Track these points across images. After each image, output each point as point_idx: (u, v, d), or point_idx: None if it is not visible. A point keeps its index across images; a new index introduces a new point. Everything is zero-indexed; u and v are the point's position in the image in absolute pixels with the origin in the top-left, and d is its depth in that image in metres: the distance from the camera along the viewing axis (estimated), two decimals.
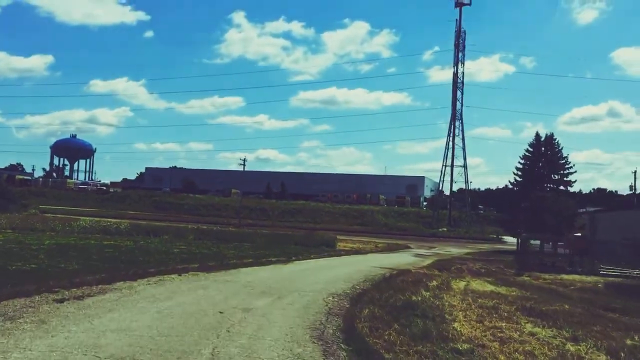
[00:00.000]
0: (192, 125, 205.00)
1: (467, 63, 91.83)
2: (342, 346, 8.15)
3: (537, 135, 53.88)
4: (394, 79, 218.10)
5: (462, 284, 18.41)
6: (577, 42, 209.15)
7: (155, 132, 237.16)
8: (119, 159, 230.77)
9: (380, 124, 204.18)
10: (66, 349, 7.01)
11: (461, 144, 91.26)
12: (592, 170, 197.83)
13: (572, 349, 8.82)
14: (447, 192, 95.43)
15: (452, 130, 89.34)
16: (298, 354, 7.53)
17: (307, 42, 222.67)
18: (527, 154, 53.43)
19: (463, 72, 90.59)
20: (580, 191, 67.03)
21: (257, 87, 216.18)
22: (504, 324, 10.25)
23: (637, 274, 25.81)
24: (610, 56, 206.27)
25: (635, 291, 20.02)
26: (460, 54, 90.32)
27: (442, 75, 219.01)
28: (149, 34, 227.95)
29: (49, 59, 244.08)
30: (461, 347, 8.36)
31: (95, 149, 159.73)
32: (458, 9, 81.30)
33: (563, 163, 52.57)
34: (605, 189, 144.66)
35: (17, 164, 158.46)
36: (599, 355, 8.62)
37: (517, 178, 54.30)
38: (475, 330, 9.78)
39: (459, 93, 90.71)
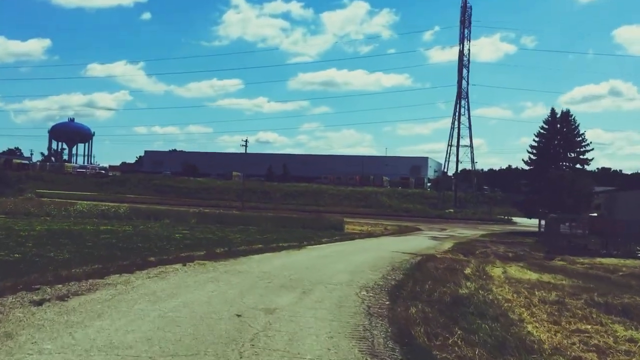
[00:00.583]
0: (192, 107, 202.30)
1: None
2: None
3: (553, 111, 51.51)
4: (394, 60, 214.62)
5: (498, 271, 16.51)
6: (579, 21, 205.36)
7: (154, 115, 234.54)
8: (118, 142, 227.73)
9: (380, 105, 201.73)
10: None
11: (467, 123, 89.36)
12: (593, 149, 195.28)
13: None
14: (452, 173, 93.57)
15: (457, 109, 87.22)
16: None
17: (306, 23, 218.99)
18: (542, 131, 51.10)
19: (469, 50, 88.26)
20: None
21: (256, 68, 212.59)
22: (589, 327, 8.26)
23: None
24: (612, 34, 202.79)
25: None
26: (466, 30, 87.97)
27: (443, 55, 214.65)
28: (147, 15, 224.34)
29: (47, 42, 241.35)
30: None
31: (94, 132, 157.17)
32: None
33: (580, 140, 50.30)
34: (609, 169, 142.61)
35: (16, 148, 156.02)
36: None
37: (532, 157, 52.02)
38: (556, 335, 7.83)
39: (464, 71, 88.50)
